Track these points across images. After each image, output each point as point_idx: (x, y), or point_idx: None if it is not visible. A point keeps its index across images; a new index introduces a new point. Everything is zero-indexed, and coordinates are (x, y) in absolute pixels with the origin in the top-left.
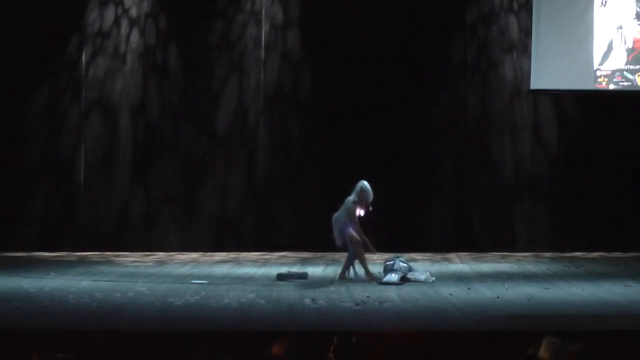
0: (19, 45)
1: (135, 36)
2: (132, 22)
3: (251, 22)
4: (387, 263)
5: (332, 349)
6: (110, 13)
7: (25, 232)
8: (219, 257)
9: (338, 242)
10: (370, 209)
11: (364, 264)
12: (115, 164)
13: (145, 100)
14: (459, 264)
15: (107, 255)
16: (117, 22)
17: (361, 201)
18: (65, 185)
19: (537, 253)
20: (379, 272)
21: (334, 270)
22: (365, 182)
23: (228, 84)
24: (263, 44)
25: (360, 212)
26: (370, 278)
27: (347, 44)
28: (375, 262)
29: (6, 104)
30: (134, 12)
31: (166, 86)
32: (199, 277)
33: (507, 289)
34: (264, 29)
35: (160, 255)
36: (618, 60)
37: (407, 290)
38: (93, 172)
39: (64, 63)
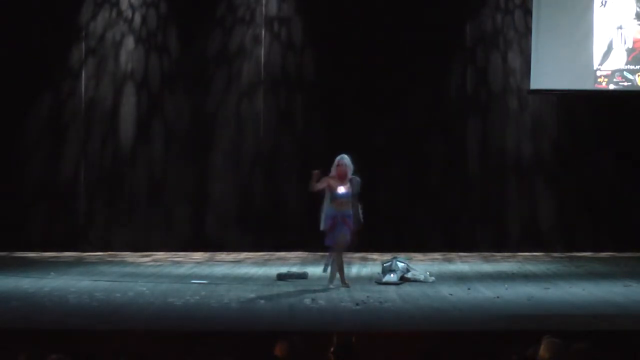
0: (19, 52)
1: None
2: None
3: (251, 11)
4: (384, 264)
5: (332, 349)
6: (109, 14)
7: (29, 233)
8: (220, 257)
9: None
10: (348, 184)
11: (340, 271)
12: (115, 159)
13: (146, 86)
14: (459, 263)
15: (106, 255)
16: (116, 23)
17: (338, 174)
18: (68, 188)
19: (544, 253)
20: (378, 273)
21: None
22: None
23: (226, 100)
24: (263, 35)
25: (338, 187)
26: (343, 284)
27: (346, 40)
28: (375, 262)
29: (10, 106)
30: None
31: (166, 67)
32: (199, 277)
33: (507, 289)
34: (265, 19)
35: (160, 255)
36: (618, 60)
37: (407, 290)
38: (94, 172)
39: (64, 69)
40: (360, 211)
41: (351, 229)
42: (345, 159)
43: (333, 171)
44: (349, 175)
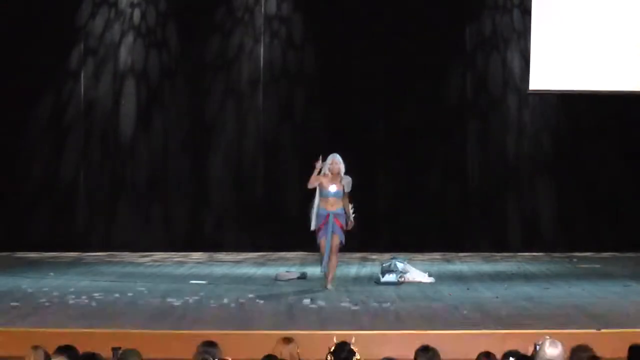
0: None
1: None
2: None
3: (251, 9)
4: (384, 265)
5: (331, 349)
6: (107, 14)
7: (30, 234)
8: (219, 257)
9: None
10: (339, 182)
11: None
12: (115, 159)
13: (145, 86)
14: (459, 264)
15: (106, 255)
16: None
17: (331, 173)
18: (67, 188)
19: (544, 254)
20: (377, 273)
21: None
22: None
23: (225, 106)
24: (263, 32)
25: (330, 185)
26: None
27: (345, 41)
28: (375, 262)
29: (10, 108)
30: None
31: (166, 67)
32: (198, 277)
33: (506, 288)
34: (264, 16)
35: (159, 255)
36: None
37: (406, 290)
38: (93, 173)
39: (64, 70)
40: (351, 210)
41: (343, 228)
42: (338, 157)
43: (325, 170)
44: (341, 174)
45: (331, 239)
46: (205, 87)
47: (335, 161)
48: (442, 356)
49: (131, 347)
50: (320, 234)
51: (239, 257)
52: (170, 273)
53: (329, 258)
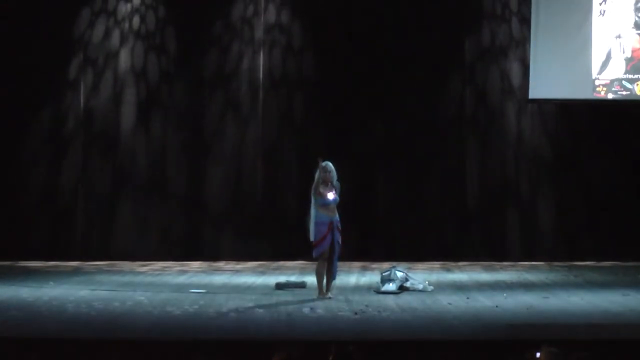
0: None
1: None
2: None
3: (250, 18)
4: (383, 273)
5: (330, 358)
6: (105, 24)
7: (30, 243)
8: (218, 266)
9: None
10: (334, 190)
11: (319, 282)
12: (114, 169)
13: (144, 94)
14: (458, 273)
15: (105, 264)
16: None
17: (324, 181)
18: (67, 198)
19: (544, 263)
20: (377, 282)
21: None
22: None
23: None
24: (263, 39)
25: (328, 193)
26: (320, 294)
27: (344, 48)
28: (374, 271)
29: (11, 118)
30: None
31: (165, 75)
32: (197, 286)
33: (506, 298)
34: (263, 22)
35: (159, 264)
36: (617, 69)
37: (406, 299)
38: (93, 182)
39: (63, 81)
40: None
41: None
42: (330, 165)
43: (320, 178)
44: (334, 181)
45: (337, 249)
46: (205, 95)
47: (328, 169)
48: None
49: (130, 356)
50: (325, 242)
51: (238, 266)
52: (169, 282)
53: (322, 266)
